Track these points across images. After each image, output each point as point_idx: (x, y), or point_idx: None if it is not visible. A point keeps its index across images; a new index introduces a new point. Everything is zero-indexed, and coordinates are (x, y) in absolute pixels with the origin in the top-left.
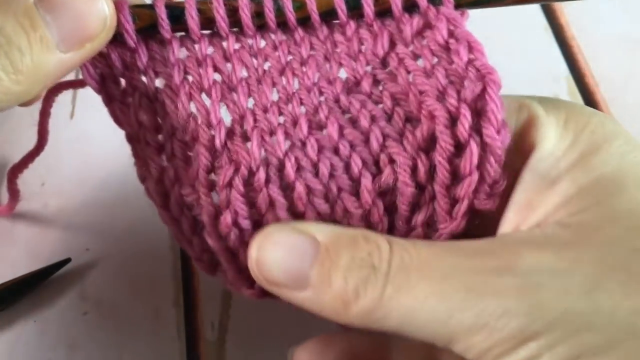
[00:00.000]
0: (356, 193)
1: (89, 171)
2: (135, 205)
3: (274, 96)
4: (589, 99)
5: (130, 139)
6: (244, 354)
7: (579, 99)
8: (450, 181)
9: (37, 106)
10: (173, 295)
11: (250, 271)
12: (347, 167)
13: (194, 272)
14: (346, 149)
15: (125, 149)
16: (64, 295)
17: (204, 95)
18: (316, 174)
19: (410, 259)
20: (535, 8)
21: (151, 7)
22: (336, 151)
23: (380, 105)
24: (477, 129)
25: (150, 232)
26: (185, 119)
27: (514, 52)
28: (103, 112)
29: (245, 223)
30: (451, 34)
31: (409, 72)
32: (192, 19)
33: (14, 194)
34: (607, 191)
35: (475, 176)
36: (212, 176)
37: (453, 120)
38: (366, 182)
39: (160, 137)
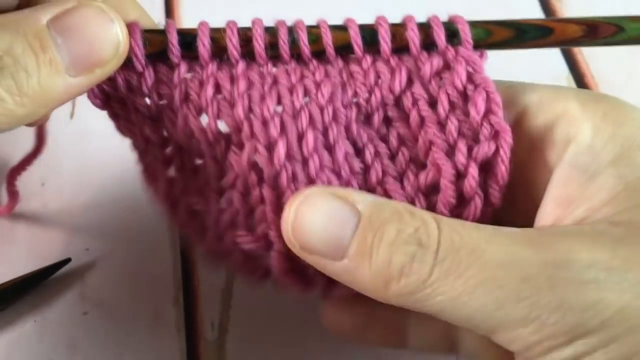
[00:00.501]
0: None
1: (88, 171)
2: (135, 205)
3: (278, 108)
4: None
5: (135, 147)
6: (244, 354)
7: None
8: None
9: None
10: (173, 294)
11: (283, 234)
12: None
13: (194, 272)
14: (346, 175)
15: (126, 149)
16: (64, 295)
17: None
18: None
19: (461, 241)
20: (536, 8)
21: (163, 32)
22: (338, 175)
23: (384, 146)
24: (482, 181)
25: (150, 232)
26: (186, 140)
27: (514, 52)
28: (103, 112)
29: (241, 222)
30: (470, 78)
31: (421, 117)
32: (204, 46)
33: (13, 195)
34: None
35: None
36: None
37: (459, 174)
38: None
39: (168, 149)
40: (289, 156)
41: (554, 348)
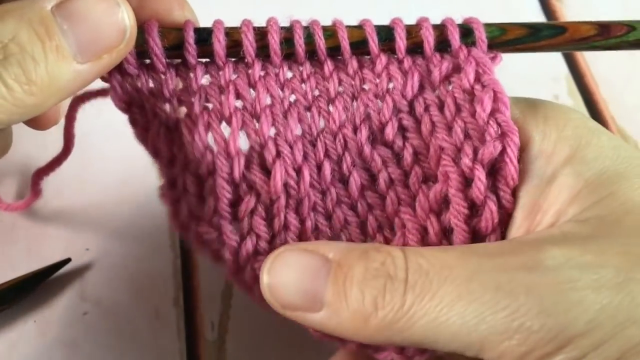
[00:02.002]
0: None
1: (89, 171)
2: (135, 205)
3: (298, 131)
4: (589, 99)
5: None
6: (244, 354)
7: (579, 99)
8: (470, 240)
9: None
10: (173, 295)
11: (264, 296)
12: (362, 225)
13: (194, 272)
14: (364, 209)
15: (126, 150)
16: (64, 295)
17: (224, 124)
18: (329, 224)
19: (428, 263)
20: (536, 8)
21: (180, 30)
22: (354, 208)
23: (399, 171)
24: (492, 185)
25: (150, 232)
26: (202, 151)
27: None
28: (103, 112)
29: (264, 247)
30: (478, 78)
31: (433, 123)
32: (219, 42)
33: (37, 193)
34: (614, 183)
35: (499, 232)
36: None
37: (467, 180)
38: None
39: (174, 170)
40: (311, 184)
41: (543, 358)
